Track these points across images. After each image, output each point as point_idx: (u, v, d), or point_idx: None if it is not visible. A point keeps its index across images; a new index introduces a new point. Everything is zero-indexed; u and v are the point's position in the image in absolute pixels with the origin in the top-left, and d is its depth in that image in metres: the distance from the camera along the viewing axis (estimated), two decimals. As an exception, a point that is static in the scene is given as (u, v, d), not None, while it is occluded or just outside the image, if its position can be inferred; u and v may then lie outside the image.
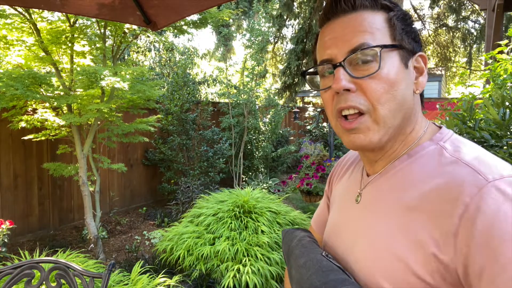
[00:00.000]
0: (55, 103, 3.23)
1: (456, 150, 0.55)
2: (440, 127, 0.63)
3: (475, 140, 2.46)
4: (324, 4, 0.63)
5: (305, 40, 13.76)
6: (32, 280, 1.35)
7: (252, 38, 6.50)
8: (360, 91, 0.57)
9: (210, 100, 7.08)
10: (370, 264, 0.57)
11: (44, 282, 1.33)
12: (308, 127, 8.93)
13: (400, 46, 0.58)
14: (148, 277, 2.48)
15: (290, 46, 15.00)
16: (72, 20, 3.29)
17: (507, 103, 2.46)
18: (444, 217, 0.49)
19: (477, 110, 2.69)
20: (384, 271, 0.54)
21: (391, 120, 0.58)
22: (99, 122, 3.71)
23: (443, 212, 0.49)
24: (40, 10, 3.16)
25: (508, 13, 5.06)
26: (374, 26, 0.58)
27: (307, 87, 16.51)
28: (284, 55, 16.20)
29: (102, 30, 3.46)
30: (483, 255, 0.44)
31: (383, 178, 0.63)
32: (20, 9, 3.10)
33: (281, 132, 8.16)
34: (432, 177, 0.54)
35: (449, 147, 0.57)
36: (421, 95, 0.65)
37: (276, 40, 15.79)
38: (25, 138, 3.70)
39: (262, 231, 3.20)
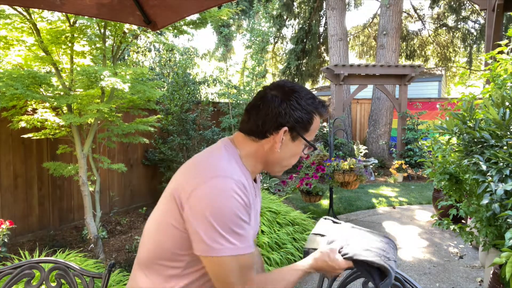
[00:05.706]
0: (55, 103, 3.23)
1: None
2: None
3: (475, 140, 2.46)
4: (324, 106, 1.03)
5: (305, 40, 13.75)
6: (32, 280, 1.35)
7: (252, 38, 6.50)
8: None
9: (210, 100, 7.06)
10: None
11: (44, 282, 1.33)
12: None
13: None
14: (148, 277, 2.47)
15: (290, 46, 14.99)
16: (72, 20, 3.29)
17: (507, 103, 2.45)
18: None
19: (477, 110, 2.69)
20: None
21: None
22: (99, 122, 3.71)
23: None
24: (40, 10, 3.15)
25: (508, 13, 5.06)
26: None
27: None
28: (284, 55, 16.18)
29: (102, 30, 3.45)
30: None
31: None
32: (20, 9, 3.09)
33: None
34: None
35: None
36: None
37: (276, 40, 15.79)
38: (25, 136, 3.70)
39: (262, 231, 3.20)
